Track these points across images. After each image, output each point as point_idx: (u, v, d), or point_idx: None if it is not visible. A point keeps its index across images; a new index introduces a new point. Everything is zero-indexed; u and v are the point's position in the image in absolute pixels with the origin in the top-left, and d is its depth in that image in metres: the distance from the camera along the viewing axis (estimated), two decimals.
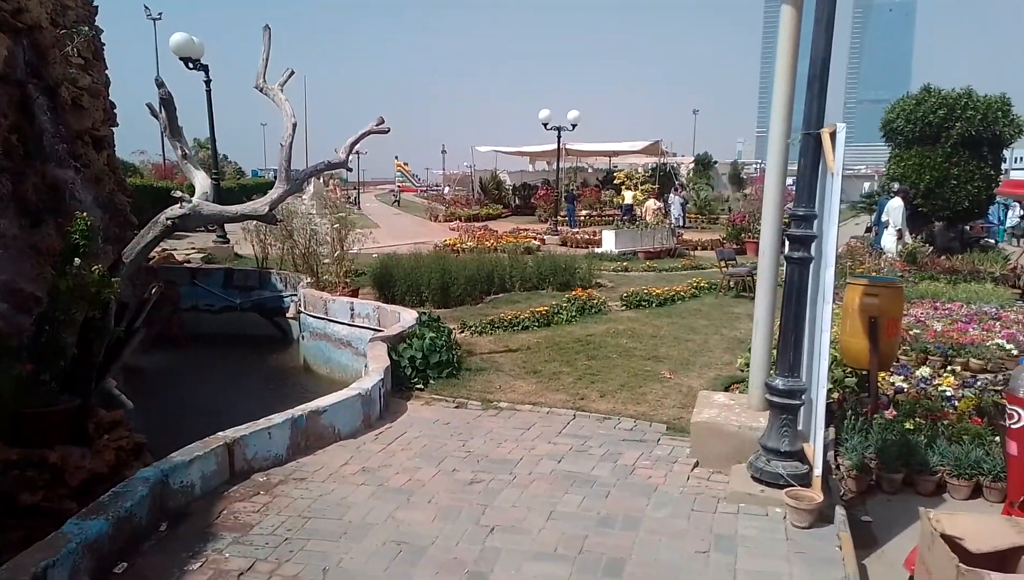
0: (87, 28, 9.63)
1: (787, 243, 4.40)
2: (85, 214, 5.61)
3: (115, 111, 10.48)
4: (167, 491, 4.13)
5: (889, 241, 14.26)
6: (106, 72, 10.24)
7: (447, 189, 40.36)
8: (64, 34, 8.82)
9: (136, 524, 3.82)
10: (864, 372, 5.80)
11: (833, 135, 4.07)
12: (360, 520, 4.16)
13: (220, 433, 4.73)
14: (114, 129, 10.41)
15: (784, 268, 4.49)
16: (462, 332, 9.21)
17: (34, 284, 6.35)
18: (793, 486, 4.20)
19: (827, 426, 4.80)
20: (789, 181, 5.21)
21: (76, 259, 5.19)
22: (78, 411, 5.15)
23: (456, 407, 6.41)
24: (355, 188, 48.40)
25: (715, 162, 40.07)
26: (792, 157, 4.87)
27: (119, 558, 3.61)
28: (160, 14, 41.37)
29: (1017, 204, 12.42)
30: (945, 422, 5.25)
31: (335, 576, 3.56)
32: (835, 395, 5.92)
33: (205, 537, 3.89)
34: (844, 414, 5.49)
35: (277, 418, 5.06)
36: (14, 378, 4.89)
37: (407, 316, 8.39)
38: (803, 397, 4.40)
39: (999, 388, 5.92)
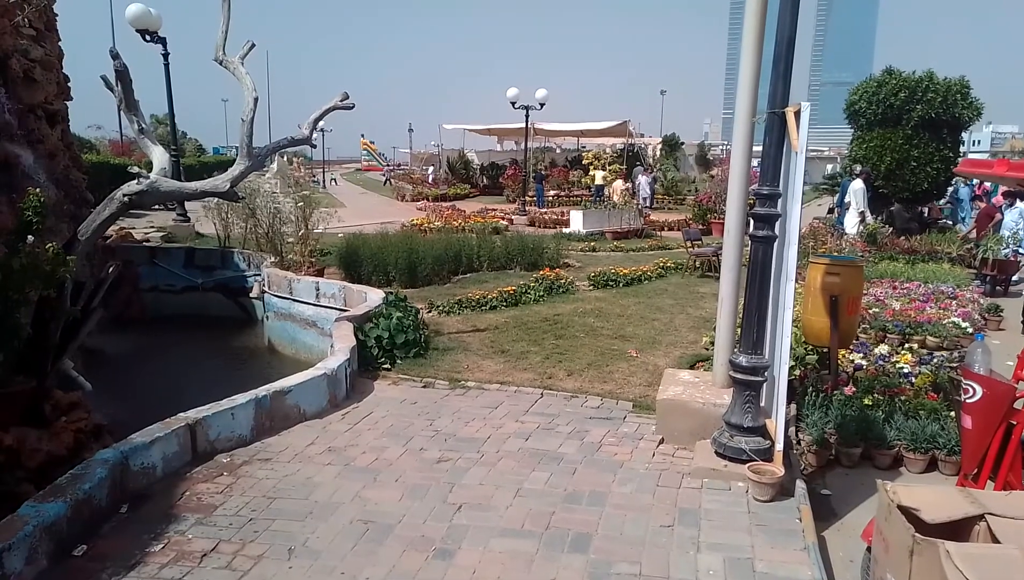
0: None
1: (752, 222, 4.44)
2: (38, 190, 5.43)
3: (69, 85, 10.12)
4: (127, 473, 4.06)
5: (851, 222, 14.52)
6: (59, 44, 9.87)
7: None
8: (14, 3, 8.49)
9: (95, 506, 3.74)
10: (825, 350, 5.91)
11: (798, 114, 4.10)
12: (326, 499, 4.13)
13: (182, 414, 4.65)
14: (68, 103, 10.06)
15: (748, 247, 4.54)
16: (429, 312, 9.17)
17: None
18: (755, 461, 4.28)
19: (788, 402, 4.89)
20: (754, 162, 5.26)
21: (29, 236, 5.04)
22: (34, 392, 5.03)
23: (423, 387, 6.39)
24: (320, 167, 47.68)
25: (682, 143, 40.25)
26: (757, 138, 4.91)
27: (79, 540, 3.54)
28: None
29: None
30: (902, 398, 5.38)
31: (301, 555, 3.54)
32: (797, 372, 6.03)
33: (167, 519, 3.83)
34: (805, 390, 5.60)
35: (240, 398, 4.98)
36: None
37: (373, 296, 8.31)
38: (766, 374, 4.47)
39: (955, 365, 6.09)
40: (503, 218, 20.57)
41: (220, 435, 4.74)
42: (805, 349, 6.31)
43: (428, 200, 28.22)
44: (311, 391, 5.52)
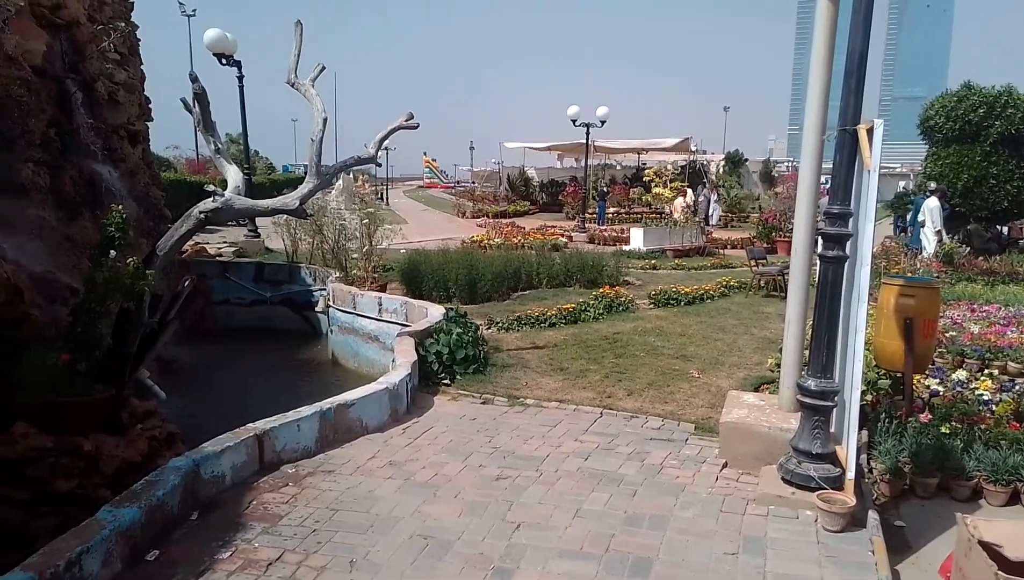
0: (123, 24, 9.79)
1: (821, 241, 4.33)
2: (121, 207, 5.71)
3: (150, 106, 10.65)
4: (198, 481, 4.19)
5: (927, 241, 13.97)
6: (141, 68, 10.41)
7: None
8: (101, 30, 8.98)
9: (168, 512, 3.88)
10: (898, 374, 5.69)
11: (870, 131, 3.99)
12: (387, 513, 4.18)
13: (250, 424, 4.78)
14: (149, 124, 10.58)
15: (817, 267, 4.42)
16: (489, 328, 9.21)
17: (70, 275, 6.47)
18: (825, 489, 4.14)
19: (860, 429, 4.72)
20: (822, 178, 5.13)
21: (112, 251, 5.29)
22: (112, 401, 5.25)
23: (482, 403, 6.42)
24: (384, 184, 48.63)
25: (746, 160, 39.52)
26: (826, 154, 4.79)
27: (151, 545, 3.67)
28: (194, 11, 41.99)
29: None
30: (982, 426, 5.12)
31: (362, 568, 3.58)
32: (868, 397, 5.81)
33: (235, 527, 3.94)
34: (877, 417, 5.38)
35: (306, 410, 5.10)
36: (50, 368, 4.99)
37: (434, 311, 8.41)
38: (836, 399, 4.33)
39: None
40: (562, 235, 20.57)
41: (286, 446, 4.85)
42: (877, 374, 6.07)
43: (488, 217, 28.45)
44: (373, 405, 5.61)
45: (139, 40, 10.46)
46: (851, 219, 4.22)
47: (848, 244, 4.22)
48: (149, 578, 3.45)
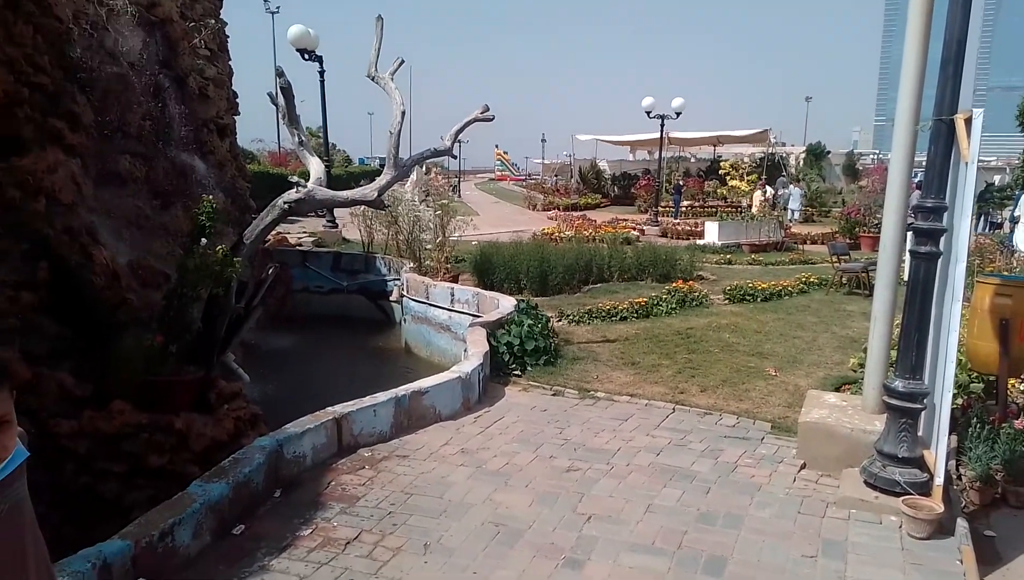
0: (213, 21, 10.20)
1: (912, 236, 4.14)
2: (211, 197, 5.98)
3: (237, 101, 11.06)
4: (281, 460, 4.36)
5: (1021, 238, 13.18)
6: (229, 63, 10.82)
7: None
8: (192, 27, 9.38)
9: (253, 489, 4.05)
10: (992, 378, 5.40)
11: (968, 121, 3.79)
12: (459, 499, 4.25)
13: (329, 408, 4.94)
14: (236, 118, 11.00)
15: (906, 263, 4.23)
16: (559, 321, 9.21)
17: (163, 262, 6.83)
18: (911, 494, 3.97)
19: (949, 433, 4.51)
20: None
21: (202, 239, 5.54)
22: (202, 382, 5.52)
23: (553, 395, 6.43)
24: (456, 176, 49.17)
25: (828, 152, 38.07)
26: (917, 146, 4.58)
27: (238, 520, 3.84)
28: (278, 8, 43.34)
29: None
30: None
31: (436, 551, 3.66)
32: (959, 401, 5.53)
33: (315, 506, 4.09)
34: (968, 421, 5.12)
35: (382, 396, 5.23)
36: (145, 349, 5.29)
37: (506, 303, 8.46)
38: (924, 401, 4.15)
39: None
40: (634, 228, 20.33)
41: (363, 430, 4.99)
42: (969, 376, 5.78)
43: (559, 209, 28.38)
44: (446, 393, 5.70)
45: (227, 36, 10.88)
46: (945, 214, 4.03)
47: (942, 240, 4.03)
48: (236, 551, 3.61)
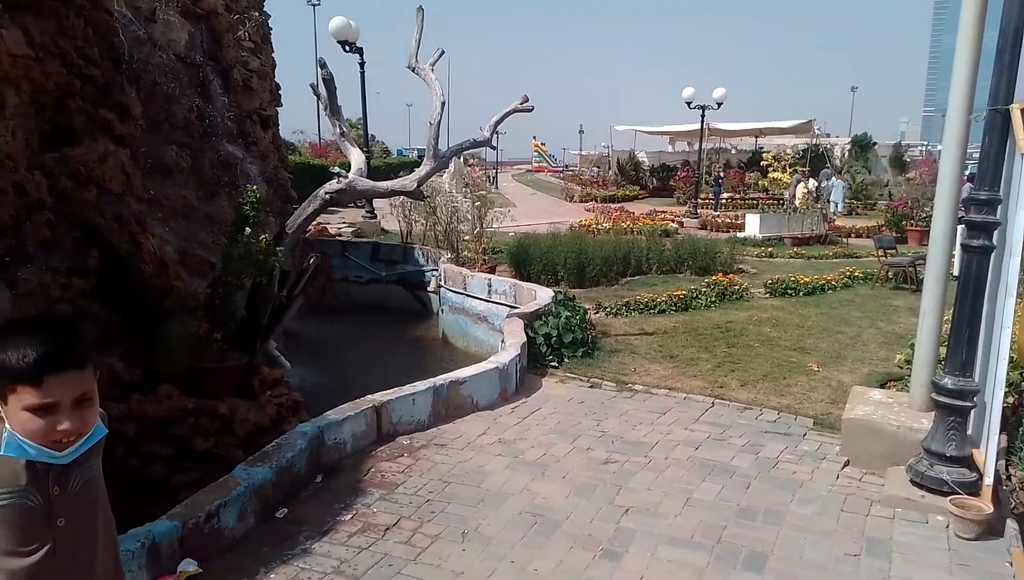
0: (257, 13, 10.36)
1: (964, 230, 4.02)
2: (255, 187, 6.08)
3: (280, 92, 11.23)
4: (322, 446, 4.43)
5: None
6: (272, 55, 10.98)
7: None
8: (237, 19, 9.54)
9: (295, 474, 4.13)
10: None
11: None
12: (496, 489, 4.27)
13: (369, 396, 5.00)
14: (278, 109, 11.17)
15: (957, 257, 4.12)
16: (597, 313, 9.17)
17: (209, 251, 6.97)
18: (958, 494, 3.87)
19: (1000, 432, 4.38)
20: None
21: (247, 229, 5.64)
22: (246, 368, 5.63)
23: (590, 387, 6.41)
24: (493, 168, 49.19)
25: (874, 144, 37.11)
26: (970, 137, 4.44)
27: (280, 504, 3.92)
28: (320, 0, 43.83)
29: None
30: None
31: (473, 539, 3.69)
32: (1010, 399, 5.37)
33: (355, 492, 4.15)
34: (1019, 421, 4.98)
35: (420, 385, 5.27)
36: (191, 336, 5.40)
37: (543, 294, 8.45)
38: (975, 399, 4.03)
39: None
40: (673, 220, 20.12)
41: (402, 419, 5.04)
42: (1020, 374, 5.60)
43: (597, 201, 28.20)
44: (484, 383, 5.73)
45: (271, 29, 11.03)
46: (999, 206, 3.90)
47: (995, 233, 3.90)
48: (279, 534, 3.69)
